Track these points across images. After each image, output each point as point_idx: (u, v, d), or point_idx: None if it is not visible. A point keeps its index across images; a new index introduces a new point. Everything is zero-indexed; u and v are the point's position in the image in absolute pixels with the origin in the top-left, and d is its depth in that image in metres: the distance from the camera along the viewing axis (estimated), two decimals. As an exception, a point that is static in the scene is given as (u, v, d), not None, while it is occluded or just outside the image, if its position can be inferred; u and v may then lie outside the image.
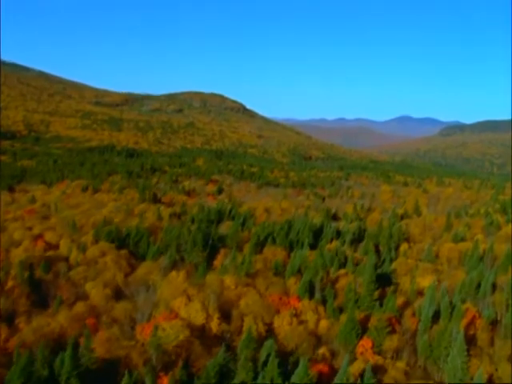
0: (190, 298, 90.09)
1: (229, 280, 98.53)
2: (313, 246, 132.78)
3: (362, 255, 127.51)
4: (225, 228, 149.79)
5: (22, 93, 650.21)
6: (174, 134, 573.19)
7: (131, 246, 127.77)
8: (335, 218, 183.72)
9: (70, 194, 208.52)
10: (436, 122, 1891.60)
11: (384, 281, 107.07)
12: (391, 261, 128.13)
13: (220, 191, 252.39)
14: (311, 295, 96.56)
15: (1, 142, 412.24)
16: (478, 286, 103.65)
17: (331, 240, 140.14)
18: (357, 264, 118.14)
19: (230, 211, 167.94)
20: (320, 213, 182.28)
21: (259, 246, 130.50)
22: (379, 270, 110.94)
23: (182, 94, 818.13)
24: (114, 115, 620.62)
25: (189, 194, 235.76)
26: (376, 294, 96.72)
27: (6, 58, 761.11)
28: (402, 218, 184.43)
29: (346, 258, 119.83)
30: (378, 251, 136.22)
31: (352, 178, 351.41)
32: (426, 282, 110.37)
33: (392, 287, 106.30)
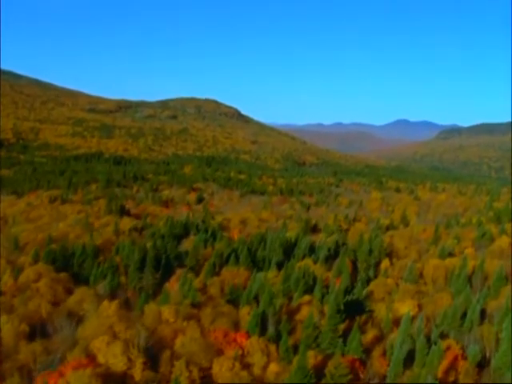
0: (115, 336, 74.37)
1: (168, 312, 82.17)
2: (282, 265, 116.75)
3: (335, 275, 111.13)
4: (189, 244, 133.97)
5: (13, 100, 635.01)
6: (165, 140, 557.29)
7: (75, 267, 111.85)
8: (315, 229, 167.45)
9: (36, 205, 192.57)
10: (433, 125, 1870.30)
11: (355, 309, 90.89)
12: (368, 281, 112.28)
13: (200, 200, 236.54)
14: (264, 330, 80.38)
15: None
16: (465, 314, 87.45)
17: (303, 257, 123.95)
18: (327, 287, 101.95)
19: (197, 225, 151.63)
20: (299, 224, 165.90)
21: (220, 266, 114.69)
22: (350, 296, 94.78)
23: (177, 100, 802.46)
24: (106, 122, 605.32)
25: (166, 203, 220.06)
26: (341, 327, 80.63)
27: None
28: (387, 228, 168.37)
29: (314, 280, 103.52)
30: (355, 269, 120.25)
31: (343, 185, 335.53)
32: (405, 307, 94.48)
33: (364, 316, 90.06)
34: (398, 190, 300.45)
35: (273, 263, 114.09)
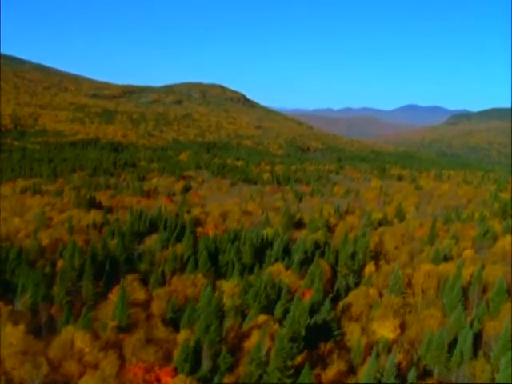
0: (7, 376, 57.82)
1: (81, 339, 65.20)
2: (251, 271, 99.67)
3: (307, 285, 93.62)
4: (152, 243, 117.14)
5: (16, 86, 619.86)
6: (167, 125, 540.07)
7: (8, 274, 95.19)
8: (300, 224, 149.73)
9: (4, 196, 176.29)
10: (443, 110, 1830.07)
11: (321, 333, 73.68)
12: (347, 291, 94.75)
13: (187, 190, 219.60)
14: (198, 364, 63.44)
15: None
16: (455, 340, 70.08)
17: (276, 260, 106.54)
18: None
19: (166, 220, 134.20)
20: (284, 218, 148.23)
21: (175, 272, 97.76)
22: (318, 315, 77.39)
23: (181, 85, 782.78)
24: (108, 108, 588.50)
25: (149, 194, 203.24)
26: (298, 359, 63.63)
27: (3, 50, 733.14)
28: (380, 224, 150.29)
29: (279, 293, 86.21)
30: (334, 276, 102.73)
31: (344, 172, 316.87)
32: (384, 329, 77.26)
33: (331, 343, 72.69)
34: (400, 178, 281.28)
35: (236, 269, 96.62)
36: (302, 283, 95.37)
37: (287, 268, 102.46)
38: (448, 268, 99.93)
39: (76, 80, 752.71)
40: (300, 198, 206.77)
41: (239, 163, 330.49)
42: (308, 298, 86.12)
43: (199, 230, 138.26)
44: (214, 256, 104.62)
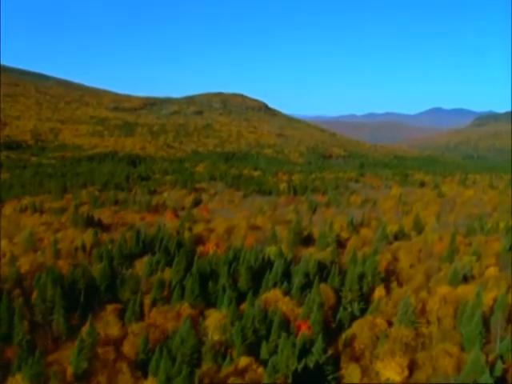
0: None
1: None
2: (244, 297, 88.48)
3: (305, 315, 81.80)
4: (142, 267, 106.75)
5: (38, 102, 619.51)
6: (187, 137, 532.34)
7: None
8: (309, 240, 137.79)
9: (3, 215, 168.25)
10: (469, 112, 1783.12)
11: (314, 377, 62.15)
12: (352, 321, 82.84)
13: (197, 203, 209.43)
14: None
15: (0, 152, 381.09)
16: (473, 387, 57.91)
17: (274, 285, 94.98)
18: (288, 336, 73.03)
19: (162, 239, 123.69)
20: (290, 234, 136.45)
21: (156, 303, 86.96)
22: (312, 355, 65.77)
23: (202, 95, 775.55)
24: (128, 120, 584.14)
25: (156, 209, 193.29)
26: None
27: (25, 67, 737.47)
28: (396, 237, 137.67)
29: (269, 327, 74.78)
30: (339, 302, 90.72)
31: (364, 179, 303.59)
32: (390, 370, 65.47)
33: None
34: (422, 185, 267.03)
35: (226, 297, 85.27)
36: (300, 311, 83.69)
37: (286, 293, 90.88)
38: (467, 291, 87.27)
39: (97, 94, 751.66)
40: (314, 209, 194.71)
41: (256, 173, 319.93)
42: (304, 331, 74.71)
43: (200, 248, 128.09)
44: (206, 281, 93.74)
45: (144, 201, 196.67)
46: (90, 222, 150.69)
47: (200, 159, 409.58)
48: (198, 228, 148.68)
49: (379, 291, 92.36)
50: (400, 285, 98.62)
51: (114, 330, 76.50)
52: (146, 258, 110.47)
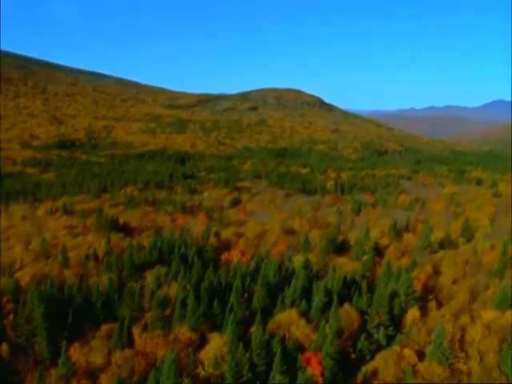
0: None
1: None
2: (262, 317, 76.86)
3: (318, 345, 69.26)
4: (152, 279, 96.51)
5: (94, 100, 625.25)
6: (239, 133, 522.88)
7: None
8: (343, 248, 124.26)
9: (30, 217, 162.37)
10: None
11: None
12: (376, 352, 69.85)
13: (236, 203, 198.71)
14: None
15: (52, 151, 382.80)
16: None
17: (292, 304, 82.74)
18: (294, 372, 61.00)
19: (179, 247, 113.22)
20: (321, 241, 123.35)
21: (159, 322, 76.37)
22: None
23: (257, 91, 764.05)
24: (182, 117, 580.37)
25: (192, 209, 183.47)
26: None
27: (84, 66, 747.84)
28: (442, 245, 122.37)
29: (271, 362, 62.78)
30: (363, 325, 77.63)
31: (417, 177, 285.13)
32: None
33: None
34: (478, 183, 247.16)
35: (231, 319, 73.60)
36: (314, 337, 71.36)
37: (304, 315, 78.65)
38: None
39: (153, 91, 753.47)
40: (358, 210, 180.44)
41: (304, 170, 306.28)
42: (313, 367, 62.51)
43: (225, 256, 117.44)
44: (216, 297, 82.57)
45: (179, 201, 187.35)
46: (114, 226, 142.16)
47: (250, 156, 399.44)
48: (227, 232, 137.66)
49: (412, 314, 78.67)
50: (439, 305, 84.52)
51: (98, 358, 66.51)
52: (160, 268, 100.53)
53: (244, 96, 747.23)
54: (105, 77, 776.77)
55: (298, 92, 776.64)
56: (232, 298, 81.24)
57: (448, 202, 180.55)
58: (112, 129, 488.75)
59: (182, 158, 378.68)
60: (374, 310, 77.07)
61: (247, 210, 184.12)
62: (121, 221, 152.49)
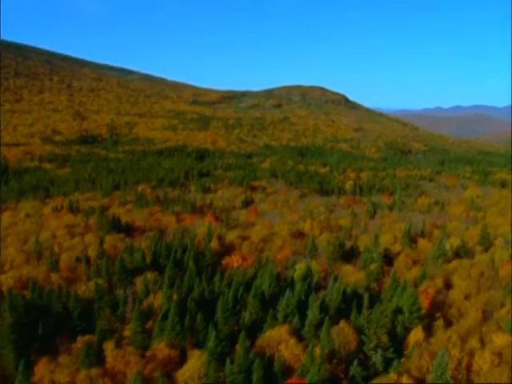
0: None
1: None
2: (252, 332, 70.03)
3: (306, 368, 61.77)
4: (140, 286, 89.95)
5: (118, 96, 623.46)
6: (261, 130, 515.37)
7: None
8: (352, 254, 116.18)
9: (34, 214, 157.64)
10: None
11: None
12: (370, 378, 62.13)
13: (248, 203, 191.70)
14: None
15: (72, 146, 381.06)
16: None
17: (285, 319, 75.37)
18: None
19: (176, 251, 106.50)
20: (328, 247, 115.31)
21: (121, 341, 69.72)
22: None
23: (281, 88, 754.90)
24: (205, 114, 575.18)
25: (202, 209, 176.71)
26: None
27: (111, 62, 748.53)
28: (457, 254, 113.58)
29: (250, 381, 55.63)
30: (360, 347, 69.85)
31: (440, 178, 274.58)
32: None
33: None
34: (503, 185, 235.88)
35: (212, 337, 66.31)
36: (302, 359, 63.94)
37: (297, 332, 71.39)
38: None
39: (178, 87, 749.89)
40: (373, 213, 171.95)
41: (323, 170, 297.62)
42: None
43: (226, 261, 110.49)
44: (201, 309, 75.64)
45: (189, 200, 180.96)
46: (116, 226, 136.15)
47: (271, 153, 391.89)
48: (232, 235, 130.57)
49: (416, 334, 70.62)
50: (448, 324, 76.29)
51: (62, 376, 60.13)
52: (150, 274, 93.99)
53: (268, 93, 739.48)
54: (131, 72, 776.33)
55: (323, 89, 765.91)
56: (218, 311, 74.18)
57: (468, 206, 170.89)
58: (134, 125, 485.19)
59: (201, 155, 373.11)
60: (373, 328, 69.20)
61: (258, 211, 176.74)
62: (126, 220, 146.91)
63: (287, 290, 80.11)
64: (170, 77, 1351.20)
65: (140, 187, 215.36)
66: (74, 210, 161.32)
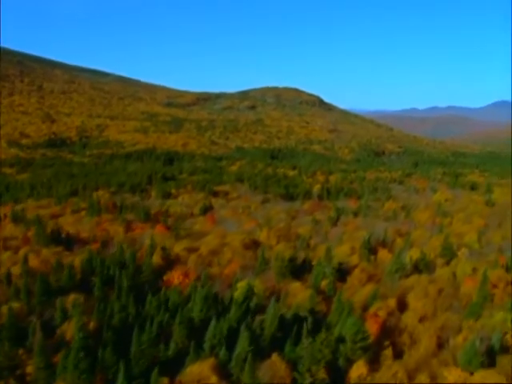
0: None
1: None
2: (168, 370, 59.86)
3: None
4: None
5: (91, 98, 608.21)
6: (234, 132, 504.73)
7: None
8: (304, 269, 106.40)
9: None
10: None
11: None
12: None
13: (206, 210, 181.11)
14: None
15: (38, 150, 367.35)
16: None
17: (211, 351, 65.39)
18: None
19: (108, 268, 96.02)
20: (277, 261, 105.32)
21: (39, 373, 59.36)
22: None
23: (256, 90, 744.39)
24: (179, 116, 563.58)
25: (156, 217, 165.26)
26: None
27: (86, 64, 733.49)
28: (416, 267, 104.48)
29: None
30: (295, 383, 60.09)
31: (410, 180, 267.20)
32: None
33: None
34: (473, 188, 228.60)
35: (121, 376, 56.06)
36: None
37: (222, 367, 61.47)
38: (494, 380, 55.17)
39: (152, 89, 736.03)
40: (336, 219, 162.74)
41: (292, 173, 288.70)
42: None
43: (167, 277, 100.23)
44: (120, 339, 65.50)
45: (143, 207, 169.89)
46: (56, 238, 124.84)
47: (241, 156, 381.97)
48: (179, 246, 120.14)
49: (358, 369, 61.05)
50: (397, 354, 66.80)
51: None
52: (74, 295, 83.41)
53: (243, 95, 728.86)
54: (105, 75, 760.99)
55: (298, 91, 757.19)
56: (133, 343, 63.99)
57: (435, 211, 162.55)
58: (105, 127, 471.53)
59: (170, 158, 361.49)
60: (306, 363, 59.47)
61: (217, 218, 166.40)
62: (71, 230, 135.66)
63: (232, 309, 70.28)
64: (145, 79, 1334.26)
65: (99, 193, 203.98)
66: (17, 219, 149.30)
